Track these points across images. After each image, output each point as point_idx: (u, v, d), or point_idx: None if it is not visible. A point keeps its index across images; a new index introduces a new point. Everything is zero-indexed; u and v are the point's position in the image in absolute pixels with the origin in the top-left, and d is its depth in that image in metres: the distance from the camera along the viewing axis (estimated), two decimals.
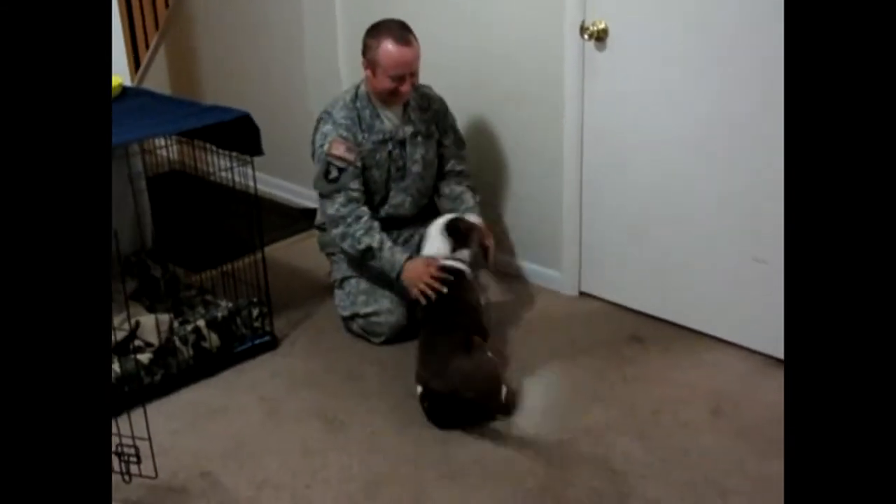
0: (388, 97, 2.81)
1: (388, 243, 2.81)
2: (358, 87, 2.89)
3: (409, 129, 2.90)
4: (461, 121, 3.23)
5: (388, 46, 2.71)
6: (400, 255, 2.78)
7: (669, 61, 2.71)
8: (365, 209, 2.84)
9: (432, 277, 2.69)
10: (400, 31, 2.74)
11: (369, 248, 2.79)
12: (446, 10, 3.25)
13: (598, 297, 3.16)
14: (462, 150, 3.10)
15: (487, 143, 3.30)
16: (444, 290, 2.67)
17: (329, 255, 3.09)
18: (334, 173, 2.79)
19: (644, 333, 2.93)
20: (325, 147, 2.80)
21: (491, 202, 3.36)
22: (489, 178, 3.34)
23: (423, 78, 3.04)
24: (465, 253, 2.79)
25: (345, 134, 2.80)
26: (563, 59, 2.93)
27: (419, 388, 2.52)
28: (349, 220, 2.81)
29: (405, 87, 2.76)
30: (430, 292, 2.67)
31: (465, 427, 2.46)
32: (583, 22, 2.84)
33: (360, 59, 2.87)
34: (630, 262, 3.02)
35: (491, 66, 3.19)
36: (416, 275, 2.72)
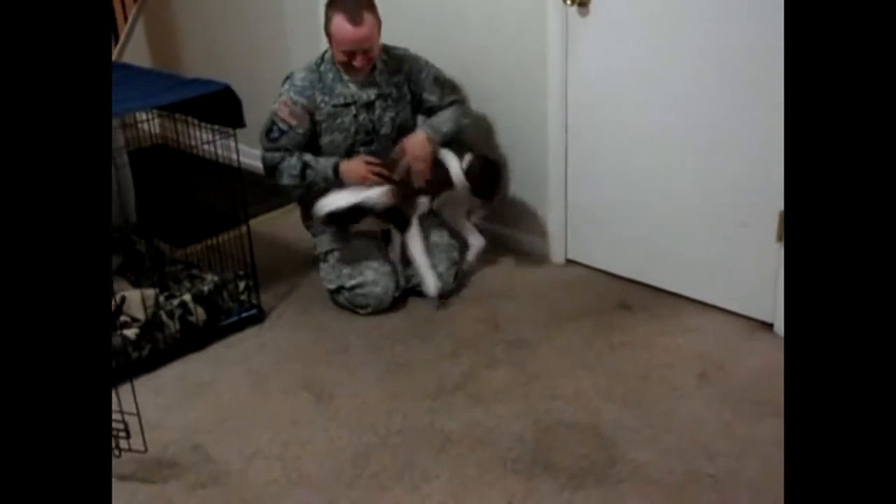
0: (347, 68, 2.84)
1: (321, 159, 2.88)
2: (326, 52, 2.92)
3: (372, 92, 2.91)
4: None
5: (340, 22, 2.74)
6: (332, 160, 2.86)
7: (653, 25, 2.69)
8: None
9: (370, 164, 2.83)
10: (354, 7, 2.73)
11: (305, 165, 2.86)
12: None
13: (585, 264, 3.17)
14: (455, 94, 3.06)
15: (471, 111, 3.27)
16: (386, 173, 2.83)
17: (310, 229, 3.09)
18: (275, 133, 2.89)
19: (631, 300, 2.94)
20: (275, 106, 2.89)
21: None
22: (475, 147, 3.32)
23: (403, 42, 3.01)
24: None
25: (295, 97, 2.87)
26: (545, 25, 2.91)
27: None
28: (281, 158, 2.89)
29: (357, 62, 2.80)
30: (376, 177, 2.82)
31: (454, 395, 2.47)
32: None
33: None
34: (616, 228, 3.02)
35: (473, 32, 3.16)
36: (355, 167, 2.84)
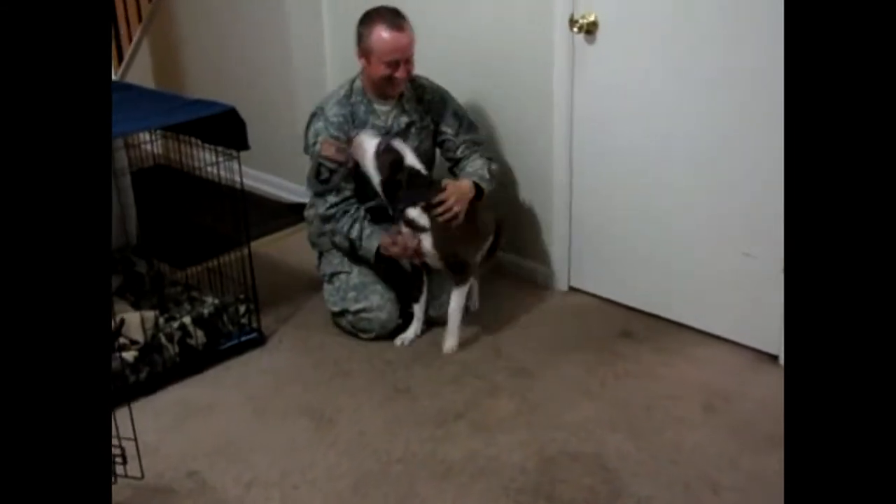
0: (385, 85, 2.78)
1: (368, 230, 2.82)
2: (353, 82, 2.87)
3: (404, 120, 2.87)
4: None
5: (382, 32, 2.70)
6: (374, 242, 2.80)
7: (659, 54, 2.69)
8: (353, 202, 2.84)
9: (407, 247, 2.74)
10: (392, 17, 2.73)
11: (351, 241, 2.82)
12: (437, 2, 3.21)
13: (588, 292, 3.15)
14: (470, 134, 2.98)
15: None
16: (424, 256, 2.77)
17: (317, 248, 3.06)
18: (325, 174, 2.80)
19: (635, 329, 2.91)
20: (317, 147, 2.80)
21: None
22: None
23: (416, 69, 3.01)
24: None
25: (335, 133, 2.79)
26: (552, 52, 2.91)
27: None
28: (338, 215, 2.83)
29: (400, 73, 2.74)
30: (416, 260, 2.79)
31: (455, 423, 2.43)
32: (572, 15, 2.81)
33: (346, 50, 2.88)
34: (620, 257, 3.01)
35: (480, 59, 3.16)
36: (401, 252, 2.77)
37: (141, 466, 2.14)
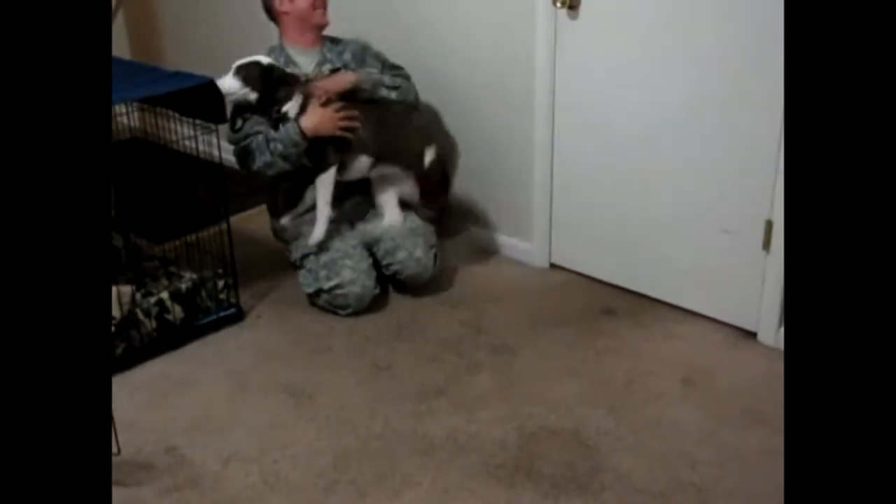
0: (311, 16, 2.90)
1: (280, 130, 2.78)
2: (271, 46, 2.98)
3: (327, 67, 2.95)
4: (430, 89, 3.18)
5: None
6: (291, 124, 2.74)
7: (641, 31, 2.68)
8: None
9: (338, 111, 2.76)
10: None
11: (268, 141, 2.77)
12: None
13: (569, 269, 3.14)
14: (394, 71, 3.03)
15: (458, 112, 3.25)
16: (356, 114, 2.79)
17: (280, 239, 3.07)
18: (238, 122, 2.85)
19: (615, 305, 2.91)
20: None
21: (460, 172, 3.32)
22: (459, 149, 3.29)
23: (394, 41, 3.00)
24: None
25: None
26: (534, 27, 2.88)
27: None
28: (248, 141, 2.82)
29: (318, 4, 2.91)
30: (352, 124, 2.78)
31: (436, 399, 2.43)
32: None
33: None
34: (601, 233, 3.00)
35: (461, 34, 3.12)
36: (323, 119, 2.74)
37: (117, 442, 2.13)
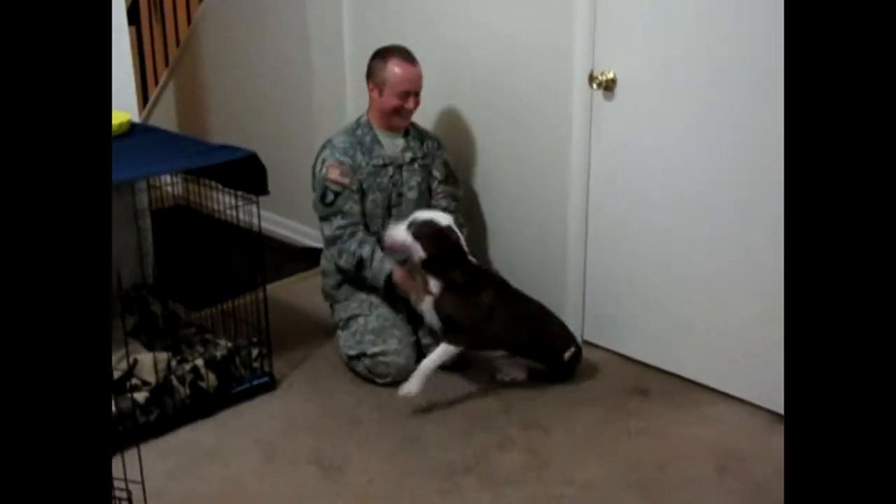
0: (394, 116, 2.93)
1: (380, 254, 2.87)
2: (360, 118, 3.01)
3: (408, 155, 3.00)
4: (465, 164, 3.25)
5: (396, 64, 2.89)
6: (388, 264, 2.84)
7: (677, 113, 2.71)
8: (360, 227, 2.93)
9: (416, 288, 2.79)
10: (405, 52, 2.94)
11: (361, 260, 2.86)
12: (457, 56, 3.26)
13: (602, 347, 3.12)
14: (454, 187, 3.13)
15: (493, 188, 3.29)
16: (434, 292, 2.75)
17: (330, 299, 3.08)
18: (330, 197, 2.89)
19: (648, 386, 2.88)
20: (323, 171, 2.91)
21: (493, 248, 3.34)
22: (494, 224, 3.32)
23: (429, 119, 3.06)
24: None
25: (341, 158, 2.91)
26: (571, 107, 2.93)
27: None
28: (344, 237, 2.90)
29: (410, 105, 2.91)
30: (418, 303, 2.80)
31: (465, 476, 2.41)
32: (591, 71, 2.84)
33: (366, 99, 2.96)
34: (635, 312, 2.99)
35: (499, 112, 3.18)
36: (413, 291, 2.81)
37: None
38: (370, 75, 2.95)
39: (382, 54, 2.93)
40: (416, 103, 2.95)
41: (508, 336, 2.82)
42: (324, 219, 2.93)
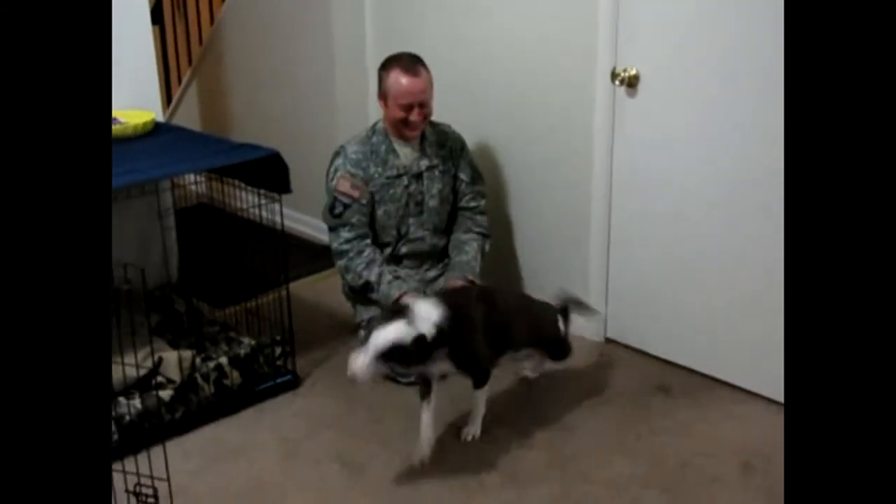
0: (401, 127, 2.87)
1: (388, 277, 2.87)
2: (376, 124, 2.97)
3: (425, 163, 2.96)
4: (489, 162, 3.25)
5: (397, 76, 2.81)
6: (395, 290, 2.82)
7: (701, 109, 2.69)
8: (367, 243, 2.91)
9: None
10: (410, 62, 2.84)
11: (368, 283, 2.87)
12: (479, 55, 3.26)
13: (625, 344, 3.12)
14: (478, 185, 3.12)
15: (515, 185, 3.29)
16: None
17: (351, 300, 3.09)
18: (339, 208, 2.89)
19: (671, 383, 2.87)
20: (333, 182, 2.89)
21: (517, 245, 3.34)
22: (516, 220, 3.32)
23: (452, 119, 3.06)
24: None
25: (352, 169, 2.88)
26: (593, 104, 2.92)
27: None
28: (351, 254, 2.89)
29: (414, 117, 2.84)
30: None
31: (488, 474, 2.41)
32: (614, 68, 2.83)
33: (378, 104, 2.94)
34: (658, 309, 2.98)
35: (521, 109, 3.18)
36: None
37: None
38: (378, 84, 2.90)
39: (386, 64, 2.87)
40: (424, 115, 2.86)
41: (511, 335, 2.64)
42: (332, 229, 2.93)
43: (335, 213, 2.90)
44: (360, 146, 2.92)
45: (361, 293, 2.94)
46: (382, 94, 2.88)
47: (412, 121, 2.84)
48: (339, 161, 2.92)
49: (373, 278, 2.86)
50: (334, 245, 2.93)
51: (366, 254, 2.89)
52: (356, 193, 2.87)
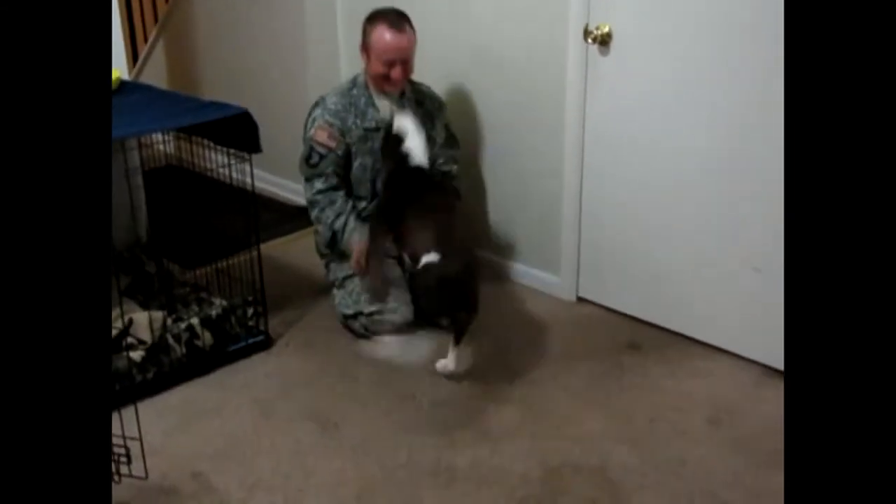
0: (382, 83, 2.87)
1: (352, 225, 2.89)
2: (357, 76, 2.97)
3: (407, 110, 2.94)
4: (462, 121, 3.23)
5: (383, 31, 2.81)
6: (358, 237, 2.85)
7: (673, 67, 2.69)
8: (340, 194, 2.93)
9: (358, 262, 2.83)
10: (396, 18, 2.83)
11: (334, 234, 2.90)
12: (450, 9, 3.22)
13: (596, 303, 3.14)
14: (453, 149, 3.13)
15: (488, 144, 3.28)
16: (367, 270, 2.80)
17: (325, 258, 3.08)
18: (315, 158, 2.90)
19: (641, 341, 2.91)
20: (311, 132, 2.90)
21: (490, 205, 3.34)
22: (488, 181, 3.32)
23: (424, 76, 3.03)
24: None
25: (331, 119, 2.89)
26: (565, 63, 2.91)
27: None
28: (323, 203, 2.91)
29: (396, 74, 2.83)
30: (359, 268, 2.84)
31: (460, 431, 2.44)
32: (587, 25, 2.81)
33: (360, 56, 2.91)
34: (629, 268, 3.00)
35: (493, 67, 3.16)
36: (359, 251, 2.83)
37: (145, 466, 2.15)
38: (362, 37, 2.89)
39: (373, 18, 2.85)
40: (405, 72, 2.85)
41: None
42: (307, 179, 2.94)
43: (311, 163, 2.90)
44: (339, 97, 2.92)
45: (331, 247, 2.96)
46: (365, 47, 2.86)
47: (393, 77, 2.84)
48: (317, 111, 2.92)
49: (338, 227, 2.89)
50: (308, 195, 2.95)
51: (337, 204, 2.90)
52: (332, 143, 2.88)
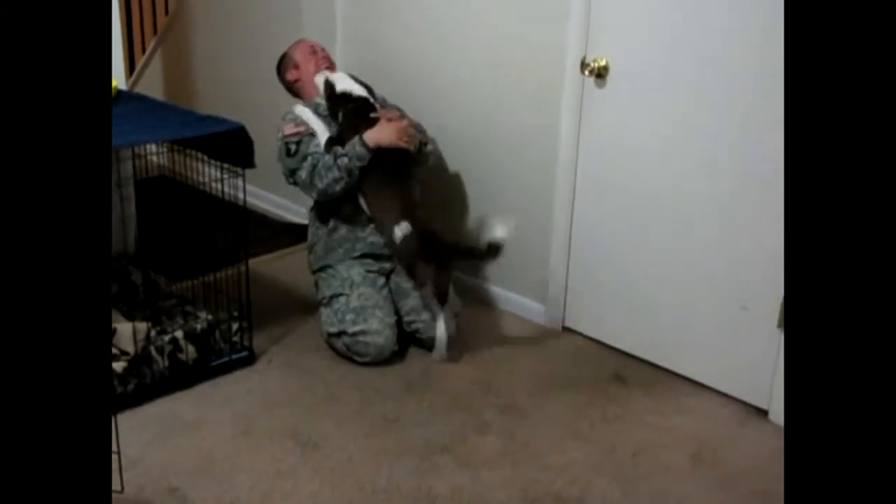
0: (314, 78, 3.03)
1: (346, 147, 2.86)
2: (304, 110, 3.02)
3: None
4: (456, 150, 3.24)
5: (295, 47, 3.19)
6: (355, 139, 2.83)
7: (667, 102, 2.71)
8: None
9: (391, 121, 2.88)
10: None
11: (335, 156, 2.85)
12: (451, 39, 3.24)
13: (582, 333, 3.14)
14: (421, 132, 3.10)
15: (480, 171, 3.29)
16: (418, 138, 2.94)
17: (316, 273, 3.07)
18: (293, 147, 2.94)
19: (626, 373, 2.90)
20: (279, 135, 2.97)
21: (481, 230, 3.34)
22: (481, 209, 3.32)
23: (419, 104, 3.04)
24: None
25: (292, 117, 2.99)
26: (561, 93, 2.93)
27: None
28: (317, 164, 2.88)
29: (323, 67, 3.07)
30: (411, 139, 2.89)
31: (442, 457, 2.42)
32: (584, 57, 2.84)
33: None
34: (616, 300, 3.01)
35: (487, 96, 3.18)
36: (385, 133, 2.84)
37: (122, 479, 2.13)
38: (285, 72, 3.18)
39: (284, 57, 3.20)
40: (327, 57, 3.14)
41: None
42: (294, 170, 2.94)
43: (291, 153, 2.93)
44: (303, 105, 3.04)
45: (348, 183, 2.85)
46: (296, 68, 3.13)
47: (321, 55, 3.12)
48: (281, 122, 3.01)
49: (343, 161, 2.81)
50: (303, 177, 2.90)
51: (326, 158, 2.87)
52: (301, 129, 2.94)
